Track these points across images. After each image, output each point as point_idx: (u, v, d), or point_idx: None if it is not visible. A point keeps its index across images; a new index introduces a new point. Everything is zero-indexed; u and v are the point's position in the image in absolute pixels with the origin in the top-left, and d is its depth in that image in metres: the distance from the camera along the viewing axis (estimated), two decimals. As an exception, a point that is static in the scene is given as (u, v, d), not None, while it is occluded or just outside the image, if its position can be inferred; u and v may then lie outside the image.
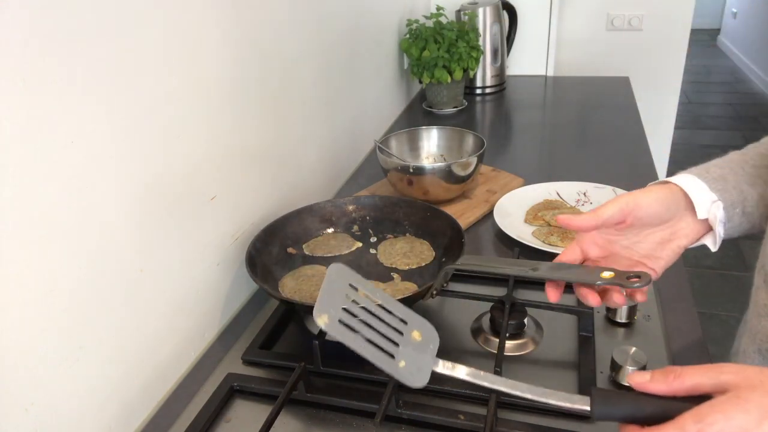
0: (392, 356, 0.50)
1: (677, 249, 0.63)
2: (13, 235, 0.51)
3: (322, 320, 0.50)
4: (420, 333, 0.51)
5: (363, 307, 0.51)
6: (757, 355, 0.64)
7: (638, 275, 0.54)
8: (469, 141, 1.19)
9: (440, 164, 1.06)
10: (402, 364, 0.50)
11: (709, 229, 0.63)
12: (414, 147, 1.24)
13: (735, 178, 0.65)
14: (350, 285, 0.52)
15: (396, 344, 0.51)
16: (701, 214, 0.62)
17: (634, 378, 0.46)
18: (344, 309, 0.51)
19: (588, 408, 0.46)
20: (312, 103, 1.11)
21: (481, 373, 0.51)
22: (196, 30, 0.74)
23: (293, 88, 1.03)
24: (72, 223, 0.57)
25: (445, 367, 0.51)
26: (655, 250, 0.62)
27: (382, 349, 0.50)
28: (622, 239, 0.62)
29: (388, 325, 0.51)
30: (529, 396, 0.49)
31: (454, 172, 1.06)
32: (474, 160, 1.07)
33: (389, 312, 0.51)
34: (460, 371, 0.51)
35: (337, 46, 1.22)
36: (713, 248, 0.65)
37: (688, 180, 0.63)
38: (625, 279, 0.55)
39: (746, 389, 0.41)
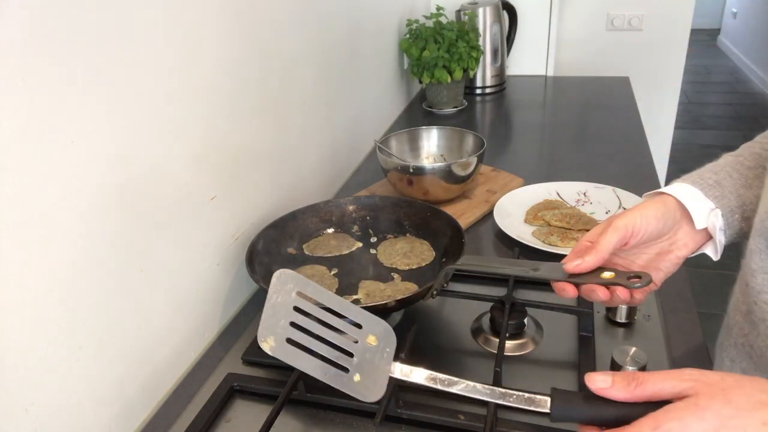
0: (347, 370, 0.48)
1: (676, 260, 0.62)
2: (13, 235, 0.51)
3: (267, 345, 0.48)
4: (376, 337, 0.49)
5: (312, 317, 0.48)
6: (732, 348, 0.65)
7: (638, 275, 0.54)
8: (469, 141, 1.19)
9: (440, 164, 1.06)
10: (357, 378, 0.48)
11: (709, 237, 0.63)
12: (414, 147, 1.24)
13: (731, 182, 0.64)
14: (297, 293, 0.50)
15: (351, 354, 0.49)
16: (700, 224, 0.61)
17: (594, 383, 0.44)
18: (292, 323, 0.49)
19: (547, 410, 0.45)
20: (312, 103, 1.11)
21: (440, 376, 0.49)
22: (196, 30, 0.74)
23: (293, 88, 1.03)
24: (72, 223, 0.57)
25: (402, 373, 0.49)
26: (654, 262, 0.62)
27: (335, 363, 0.48)
28: (620, 253, 0.62)
29: (342, 332, 0.49)
30: (488, 399, 0.48)
31: (454, 172, 1.06)
32: (474, 160, 1.07)
33: (342, 316, 0.49)
34: (418, 375, 0.49)
35: (337, 46, 1.22)
36: (715, 257, 0.64)
37: (683, 189, 0.62)
38: (625, 279, 0.55)
39: (705, 396, 0.41)
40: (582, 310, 0.77)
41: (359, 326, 0.50)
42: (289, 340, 0.49)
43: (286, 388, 0.65)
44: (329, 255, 0.91)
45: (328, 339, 0.49)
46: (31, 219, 0.53)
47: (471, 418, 0.64)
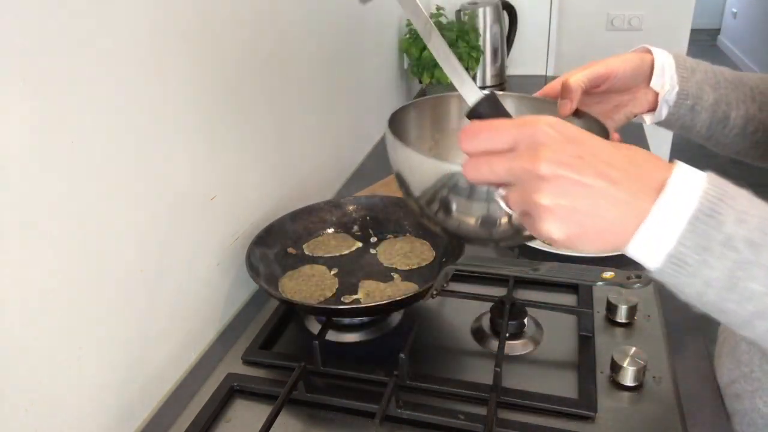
0: None
1: (629, 114, 0.69)
2: (13, 235, 0.51)
3: None
4: None
5: None
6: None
7: (639, 275, 0.54)
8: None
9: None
10: None
11: (655, 106, 0.68)
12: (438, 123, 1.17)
13: (703, 77, 0.68)
14: None
15: None
16: (655, 85, 0.66)
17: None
18: None
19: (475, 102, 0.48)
20: (312, 103, 1.11)
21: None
22: (195, 29, 0.74)
23: (293, 88, 1.03)
24: (72, 223, 0.57)
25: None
26: (610, 112, 0.69)
27: None
28: (584, 98, 0.66)
29: None
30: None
31: None
32: None
33: None
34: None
35: (337, 45, 1.22)
36: (648, 121, 0.70)
37: (663, 55, 0.67)
38: (625, 279, 0.55)
39: None
40: (582, 310, 0.77)
41: None
42: None
43: (286, 388, 0.65)
44: (329, 255, 0.91)
45: None
46: (31, 219, 0.53)
47: (471, 418, 0.64)
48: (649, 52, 0.68)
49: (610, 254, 0.92)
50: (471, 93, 0.49)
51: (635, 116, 0.70)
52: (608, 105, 0.68)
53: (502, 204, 0.42)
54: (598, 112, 0.65)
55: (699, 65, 0.69)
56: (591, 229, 0.39)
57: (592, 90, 0.65)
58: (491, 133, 0.41)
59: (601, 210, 0.38)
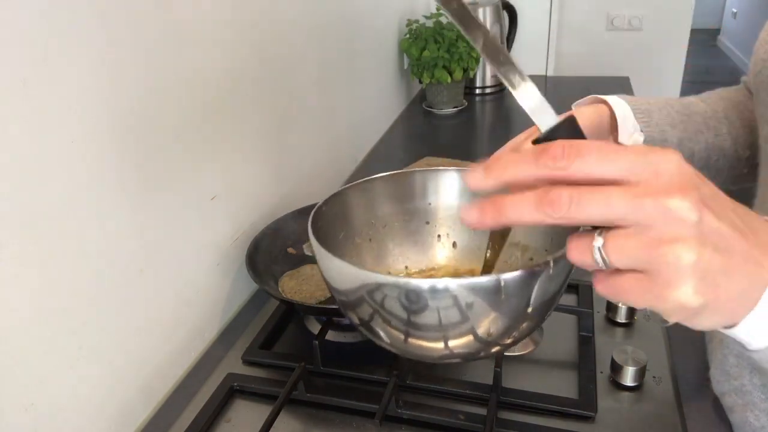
0: None
1: None
2: (14, 234, 0.51)
3: None
4: None
5: None
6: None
7: None
8: None
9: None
10: None
11: None
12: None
13: (659, 116, 0.67)
14: None
15: None
16: (622, 138, 0.63)
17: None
18: None
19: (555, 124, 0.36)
20: (312, 103, 1.11)
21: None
22: (195, 30, 0.74)
23: (293, 88, 1.03)
24: (72, 223, 0.57)
25: None
26: None
27: None
28: None
29: None
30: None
31: None
32: None
33: None
34: None
35: (337, 46, 1.22)
36: None
37: (619, 103, 0.65)
38: None
39: None
40: (582, 310, 0.77)
41: None
42: None
43: (286, 388, 0.65)
44: (329, 255, 0.91)
45: None
46: (31, 219, 0.53)
47: (471, 418, 0.64)
48: (603, 102, 0.65)
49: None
50: (546, 114, 0.36)
51: None
52: None
53: (597, 255, 0.31)
54: None
55: (651, 105, 0.68)
56: (723, 294, 0.30)
57: None
58: (603, 154, 0.30)
59: (738, 272, 0.30)
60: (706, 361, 0.75)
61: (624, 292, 0.31)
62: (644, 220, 0.29)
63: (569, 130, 0.36)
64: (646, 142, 0.64)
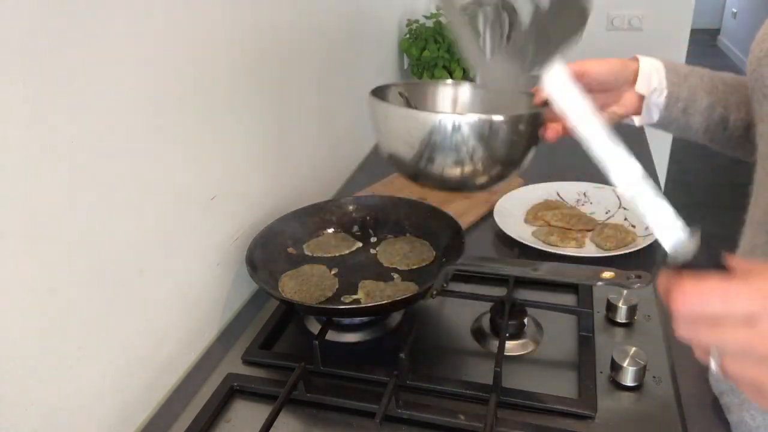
0: None
1: (613, 115, 0.72)
2: (13, 235, 0.51)
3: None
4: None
5: None
6: None
7: (639, 275, 0.54)
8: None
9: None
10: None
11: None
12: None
13: (698, 82, 0.71)
14: None
15: None
16: (639, 88, 0.69)
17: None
18: None
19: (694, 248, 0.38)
20: (312, 103, 1.11)
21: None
22: (195, 30, 0.74)
23: (293, 88, 1.03)
24: (72, 223, 0.57)
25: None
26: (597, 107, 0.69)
27: None
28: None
29: None
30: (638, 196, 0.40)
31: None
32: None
33: None
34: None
35: (337, 46, 1.22)
36: (637, 123, 0.73)
37: (651, 62, 0.71)
38: (625, 279, 0.55)
39: None
40: (582, 310, 0.77)
41: None
42: None
43: (286, 388, 0.65)
44: (329, 255, 0.91)
45: None
46: (31, 219, 0.53)
47: (471, 418, 0.64)
48: (638, 59, 0.71)
49: (611, 254, 0.92)
50: (671, 232, 0.39)
51: (621, 118, 0.72)
52: (595, 101, 0.67)
53: (714, 366, 0.37)
54: None
55: (694, 71, 0.71)
56: None
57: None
58: (726, 302, 0.35)
59: None
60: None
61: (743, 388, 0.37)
62: (759, 360, 0.35)
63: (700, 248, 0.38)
64: (670, 99, 0.70)
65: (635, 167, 0.42)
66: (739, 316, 0.35)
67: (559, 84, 0.43)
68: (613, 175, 0.42)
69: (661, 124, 0.73)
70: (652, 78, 0.69)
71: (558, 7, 0.41)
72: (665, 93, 0.70)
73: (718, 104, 0.70)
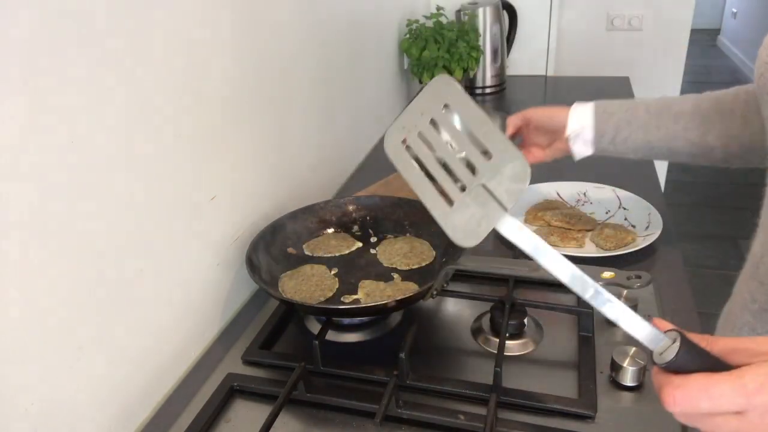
0: (450, 203, 0.44)
1: (556, 150, 0.93)
2: (13, 235, 0.51)
3: (388, 140, 0.47)
4: (501, 177, 0.42)
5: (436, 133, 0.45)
6: None
7: (639, 275, 0.54)
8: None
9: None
10: (458, 216, 0.44)
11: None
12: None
13: (622, 116, 0.88)
14: (445, 105, 0.45)
15: (463, 189, 0.43)
16: (567, 130, 0.90)
17: (667, 327, 0.43)
18: (420, 134, 0.45)
19: (673, 356, 0.41)
20: (312, 103, 1.11)
21: (555, 254, 0.43)
22: (195, 30, 0.74)
23: (293, 88, 1.03)
24: (72, 223, 0.57)
25: (510, 230, 0.44)
26: (546, 145, 0.95)
27: (442, 190, 0.44)
28: (531, 132, 0.96)
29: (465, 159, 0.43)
30: (612, 318, 0.42)
31: None
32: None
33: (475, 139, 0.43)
34: (527, 242, 0.43)
35: (337, 46, 1.22)
36: (575, 157, 0.93)
37: (582, 108, 0.90)
38: (625, 279, 0.55)
39: None
40: (582, 310, 0.77)
41: (489, 155, 0.43)
42: (408, 147, 0.45)
43: (286, 388, 0.65)
44: (329, 255, 0.91)
45: (447, 162, 0.44)
46: (31, 219, 0.53)
47: (471, 418, 0.64)
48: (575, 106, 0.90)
49: (611, 254, 0.92)
50: (654, 338, 0.43)
51: (564, 152, 0.94)
52: (543, 139, 0.95)
53: None
54: (539, 143, 0.96)
55: (620, 107, 0.89)
56: None
57: (525, 126, 0.96)
58: (713, 401, 0.39)
59: None
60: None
61: None
62: None
63: (687, 350, 0.41)
64: (597, 134, 0.89)
65: (597, 286, 0.43)
66: (728, 411, 0.39)
67: (514, 232, 0.46)
68: (585, 296, 0.43)
69: (601, 153, 0.91)
70: (580, 119, 0.89)
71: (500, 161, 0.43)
72: (591, 130, 0.88)
73: (651, 132, 0.85)
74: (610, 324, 0.78)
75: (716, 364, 0.41)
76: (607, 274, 0.56)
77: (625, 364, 0.67)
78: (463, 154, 0.44)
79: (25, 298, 0.53)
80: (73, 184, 0.57)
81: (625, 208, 1.07)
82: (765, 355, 0.41)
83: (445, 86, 0.46)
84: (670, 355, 0.40)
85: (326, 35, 1.15)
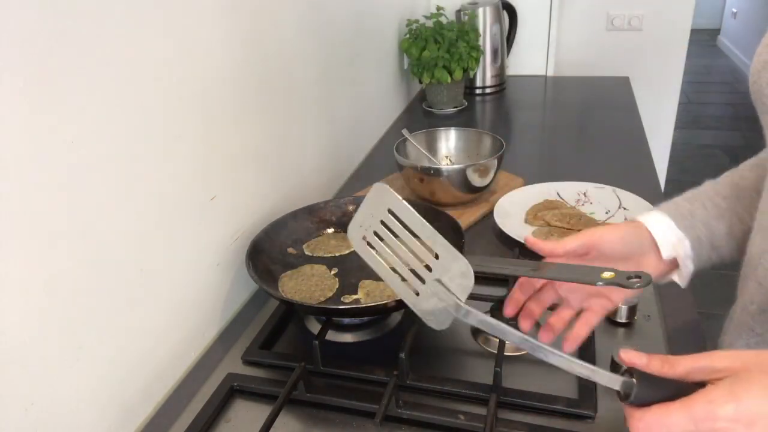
0: (417, 292, 0.50)
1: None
2: (13, 235, 0.51)
3: (350, 235, 0.52)
4: (450, 273, 0.49)
5: (393, 233, 0.50)
6: (745, 348, 0.64)
7: (639, 275, 0.54)
8: (487, 143, 1.19)
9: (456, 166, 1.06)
10: (425, 303, 0.49)
11: (675, 266, 0.65)
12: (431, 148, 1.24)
13: (704, 213, 0.65)
14: (388, 209, 0.50)
15: (423, 281, 0.50)
16: (666, 254, 0.63)
17: (630, 358, 0.47)
18: (375, 233, 0.51)
19: (631, 391, 0.46)
20: (312, 103, 1.11)
21: (511, 331, 0.49)
22: (196, 30, 0.74)
23: (293, 88, 1.03)
24: (72, 223, 0.57)
25: (462, 314, 0.49)
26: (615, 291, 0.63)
27: (407, 281, 0.50)
28: (588, 261, 0.63)
29: (418, 257, 0.49)
30: (567, 370, 0.48)
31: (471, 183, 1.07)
32: (494, 162, 1.08)
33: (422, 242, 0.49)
34: (476, 319, 0.48)
35: (337, 46, 1.22)
36: (682, 284, 0.67)
37: (655, 219, 0.64)
38: (625, 279, 0.55)
39: (744, 372, 0.42)
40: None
41: (437, 257, 0.49)
42: (369, 243, 0.51)
43: (286, 388, 0.65)
44: (329, 255, 0.91)
45: (404, 258, 0.50)
46: (31, 219, 0.53)
47: (471, 418, 0.64)
48: (643, 225, 0.64)
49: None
50: (614, 381, 0.47)
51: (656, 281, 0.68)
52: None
53: None
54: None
55: (693, 203, 0.66)
56: None
57: (584, 258, 0.62)
58: (669, 430, 0.43)
59: None
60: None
61: None
62: None
63: (646, 385, 0.46)
64: (692, 243, 0.64)
65: (560, 353, 0.49)
66: None
67: (474, 317, 0.50)
68: (551, 361, 0.48)
69: (698, 268, 0.67)
70: (668, 237, 0.64)
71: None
72: (688, 243, 0.64)
73: (733, 224, 0.66)
74: (611, 324, 0.78)
75: (678, 389, 0.44)
76: (607, 274, 0.56)
77: (625, 364, 0.67)
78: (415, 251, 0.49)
79: (25, 298, 0.53)
80: (73, 184, 0.57)
81: (625, 208, 1.07)
82: (721, 372, 0.44)
83: (384, 194, 0.50)
84: (630, 393, 0.45)
85: (326, 35, 1.15)
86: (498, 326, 0.49)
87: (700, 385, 0.44)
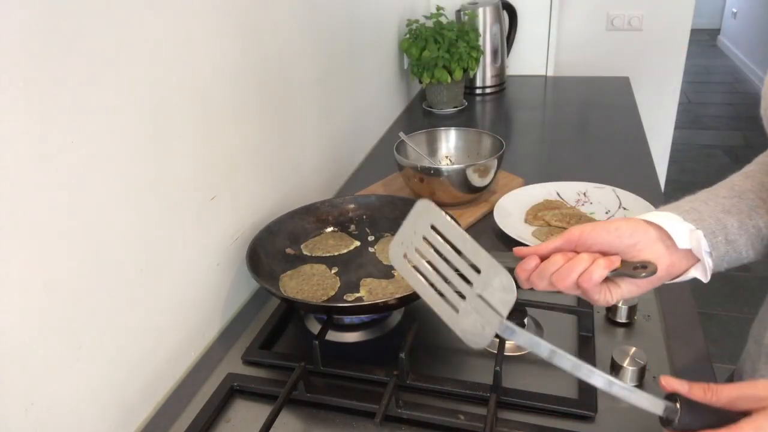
0: (457, 309, 0.49)
1: (655, 281, 0.58)
2: (13, 235, 0.51)
3: (392, 254, 0.51)
4: (492, 288, 0.48)
5: (435, 250, 0.50)
6: None
7: (644, 265, 0.54)
8: (487, 143, 1.19)
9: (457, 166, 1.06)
10: (465, 321, 0.49)
11: (693, 260, 0.59)
12: (431, 148, 1.24)
13: (707, 208, 0.61)
14: (432, 226, 0.50)
15: (463, 297, 0.49)
16: (682, 244, 0.57)
17: (671, 385, 0.47)
18: (417, 250, 0.50)
19: (675, 416, 0.46)
20: (312, 103, 1.11)
21: (558, 351, 0.48)
22: (196, 30, 0.74)
23: (293, 88, 1.03)
24: (72, 223, 0.57)
25: (505, 332, 0.48)
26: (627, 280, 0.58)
27: (447, 299, 0.50)
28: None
29: (460, 273, 0.49)
30: (614, 390, 0.47)
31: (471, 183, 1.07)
32: (494, 162, 1.07)
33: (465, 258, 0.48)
34: (523, 338, 0.48)
35: (337, 46, 1.22)
36: (704, 279, 0.60)
37: (660, 215, 0.60)
38: (630, 269, 0.55)
39: None
40: (582, 310, 0.77)
41: (478, 271, 0.48)
42: (409, 261, 0.51)
43: (286, 388, 0.65)
44: (328, 254, 0.91)
45: (445, 275, 0.50)
46: (31, 219, 0.53)
47: (471, 418, 0.64)
48: (650, 222, 0.59)
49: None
50: (657, 405, 0.48)
51: (674, 279, 0.60)
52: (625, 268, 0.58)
53: None
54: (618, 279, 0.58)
55: (694, 201, 0.63)
56: None
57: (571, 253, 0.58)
58: None
59: None
60: (706, 361, 0.75)
61: None
62: None
63: (687, 410, 0.46)
64: (706, 235, 0.59)
65: (602, 373, 0.48)
66: None
67: (515, 334, 0.49)
68: (592, 381, 0.48)
69: (715, 266, 0.61)
70: (679, 227, 0.58)
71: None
72: (702, 233, 0.58)
73: (744, 218, 0.62)
74: (610, 324, 0.78)
75: (721, 417, 0.44)
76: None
77: (624, 364, 0.67)
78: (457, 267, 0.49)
79: (26, 298, 0.53)
80: (73, 184, 0.57)
81: (625, 208, 1.07)
82: (766, 401, 0.43)
83: (427, 210, 0.51)
84: (674, 418, 0.45)
85: (326, 35, 1.15)
86: (546, 347, 0.48)
87: (742, 413, 0.44)
